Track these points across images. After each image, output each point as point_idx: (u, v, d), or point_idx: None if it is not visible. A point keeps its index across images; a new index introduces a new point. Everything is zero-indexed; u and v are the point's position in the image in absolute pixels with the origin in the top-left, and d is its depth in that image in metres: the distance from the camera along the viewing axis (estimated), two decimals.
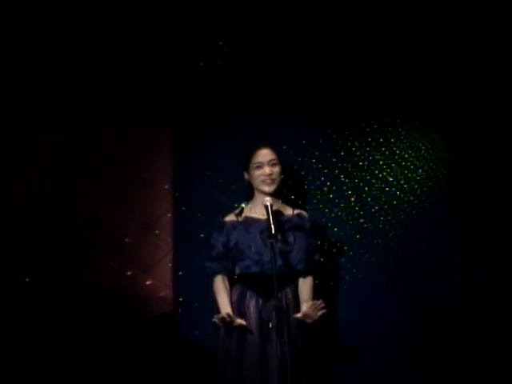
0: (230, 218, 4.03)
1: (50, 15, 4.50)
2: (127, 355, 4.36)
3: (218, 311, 3.90)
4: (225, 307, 3.88)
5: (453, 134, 4.61)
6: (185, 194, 4.57)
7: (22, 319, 4.35)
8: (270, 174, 3.93)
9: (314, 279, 4.01)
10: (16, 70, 4.54)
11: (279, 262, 3.83)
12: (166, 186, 4.59)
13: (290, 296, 3.93)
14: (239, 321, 3.80)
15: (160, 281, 4.56)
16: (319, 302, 3.79)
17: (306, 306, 3.83)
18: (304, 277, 3.98)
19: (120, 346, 4.36)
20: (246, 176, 4.03)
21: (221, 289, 3.95)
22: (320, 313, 3.79)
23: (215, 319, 3.76)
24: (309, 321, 3.81)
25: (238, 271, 3.96)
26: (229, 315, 3.77)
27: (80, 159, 4.59)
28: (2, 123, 4.55)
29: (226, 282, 3.97)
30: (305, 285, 3.98)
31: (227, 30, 4.58)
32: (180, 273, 4.51)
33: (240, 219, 3.99)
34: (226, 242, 3.96)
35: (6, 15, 4.48)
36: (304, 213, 4.10)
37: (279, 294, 3.78)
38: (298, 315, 3.82)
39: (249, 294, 3.91)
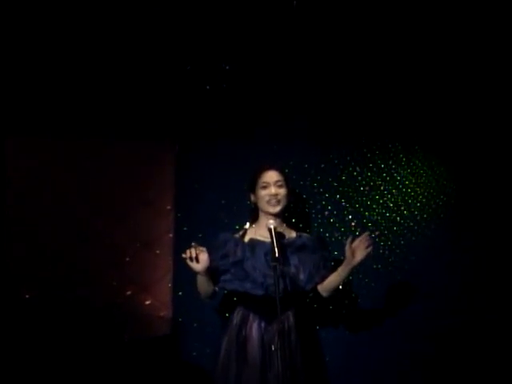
0: (235, 235, 4.04)
1: (60, 30, 4.52)
2: (124, 375, 4.32)
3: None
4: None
5: (453, 162, 4.67)
6: (186, 215, 4.57)
7: (19, 335, 4.32)
8: (276, 195, 3.91)
9: None
10: (21, 83, 4.55)
11: (285, 284, 3.82)
12: (168, 206, 4.60)
13: (291, 319, 3.91)
14: (200, 248, 3.76)
15: (159, 301, 4.55)
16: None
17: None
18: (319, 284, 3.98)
19: (117, 365, 4.33)
20: (252, 198, 4.02)
21: None
22: (368, 250, 3.77)
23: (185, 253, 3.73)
24: (356, 258, 3.79)
25: (241, 291, 3.91)
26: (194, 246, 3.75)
27: (81, 176, 4.59)
28: (4, 136, 4.55)
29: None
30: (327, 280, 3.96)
31: (232, 54, 4.61)
32: (180, 293, 4.50)
33: (244, 240, 3.99)
34: (225, 254, 3.93)
35: (16, 28, 4.51)
36: (306, 234, 4.11)
37: (281, 318, 3.78)
38: (349, 246, 3.78)
39: (251, 316, 3.89)
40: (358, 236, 3.83)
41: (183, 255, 3.75)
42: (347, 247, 3.81)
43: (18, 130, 4.56)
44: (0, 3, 4.41)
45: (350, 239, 3.82)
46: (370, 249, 3.79)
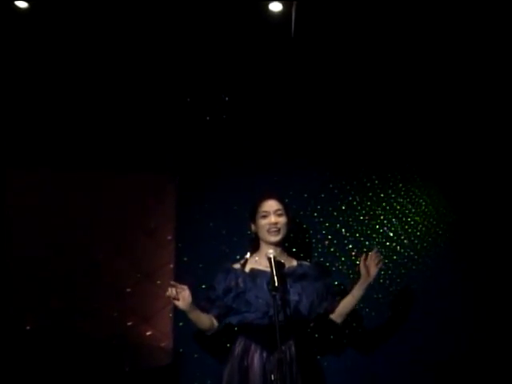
0: (237, 266, 4.03)
1: (61, 62, 4.60)
2: None
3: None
4: None
5: (453, 191, 4.69)
6: (187, 245, 4.58)
7: (20, 367, 4.30)
8: (276, 223, 3.92)
9: None
10: (23, 116, 4.61)
11: (286, 313, 3.82)
12: (169, 237, 4.61)
13: (293, 349, 3.90)
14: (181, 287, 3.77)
15: (160, 331, 4.54)
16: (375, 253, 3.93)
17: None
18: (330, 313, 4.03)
19: None
20: (252, 227, 4.03)
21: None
22: (379, 265, 3.91)
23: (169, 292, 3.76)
24: (371, 274, 3.91)
25: (244, 322, 3.90)
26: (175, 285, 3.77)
27: (82, 207, 4.60)
28: (5, 169, 4.58)
29: (213, 320, 3.95)
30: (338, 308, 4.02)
31: (231, 85, 4.67)
32: (180, 323, 4.48)
33: (246, 270, 3.98)
34: (227, 288, 3.93)
35: (17, 61, 4.58)
36: (306, 262, 4.12)
37: (283, 347, 3.78)
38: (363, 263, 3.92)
39: (253, 346, 3.88)
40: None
41: (166, 294, 3.77)
42: (361, 265, 3.92)
43: (20, 163, 4.60)
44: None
45: (363, 257, 3.91)
46: (380, 264, 3.91)
